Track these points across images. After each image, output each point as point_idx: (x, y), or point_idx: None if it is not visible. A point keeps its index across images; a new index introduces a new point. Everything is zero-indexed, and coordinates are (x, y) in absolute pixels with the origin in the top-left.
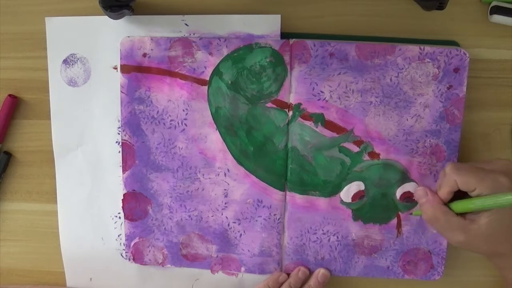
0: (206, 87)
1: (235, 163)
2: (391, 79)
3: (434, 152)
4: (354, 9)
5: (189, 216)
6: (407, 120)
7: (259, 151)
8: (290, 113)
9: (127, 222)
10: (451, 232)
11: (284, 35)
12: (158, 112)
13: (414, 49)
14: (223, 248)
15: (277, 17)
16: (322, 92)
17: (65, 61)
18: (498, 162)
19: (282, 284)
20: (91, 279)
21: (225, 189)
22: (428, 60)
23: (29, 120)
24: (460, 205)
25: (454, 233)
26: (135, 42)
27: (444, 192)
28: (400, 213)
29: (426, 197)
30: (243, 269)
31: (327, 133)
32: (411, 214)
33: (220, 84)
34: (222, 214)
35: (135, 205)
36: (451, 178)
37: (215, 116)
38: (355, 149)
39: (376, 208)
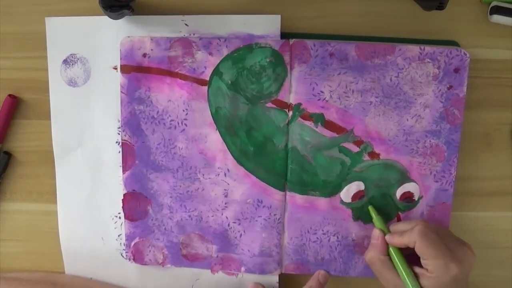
0: (206, 87)
1: (235, 163)
2: (391, 79)
3: (434, 152)
4: (354, 9)
5: (189, 216)
6: (407, 120)
7: (259, 151)
8: (290, 113)
9: (127, 222)
10: (382, 279)
11: (284, 35)
12: (158, 112)
13: (414, 49)
14: (223, 248)
15: (277, 17)
16: (322, 92)
17: (65, 61)
18: (464, 249)
19: None
20: (91, 279)
21: (225, 189)
22: (428, 60)
23: (29, 120)
24: (395, 260)
25: (384, 282)
26: (135, 42)
27: (401, 241)
28: (400, 213)
29: (376, 241)
30: (243, 269)
31: (327, 133)
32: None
33: (220, 84)
34: (222, 214)
35: (135, 205)
36: (414, 238)
37: (215, 116)
38: (355, 149)
39: (376, 208)
